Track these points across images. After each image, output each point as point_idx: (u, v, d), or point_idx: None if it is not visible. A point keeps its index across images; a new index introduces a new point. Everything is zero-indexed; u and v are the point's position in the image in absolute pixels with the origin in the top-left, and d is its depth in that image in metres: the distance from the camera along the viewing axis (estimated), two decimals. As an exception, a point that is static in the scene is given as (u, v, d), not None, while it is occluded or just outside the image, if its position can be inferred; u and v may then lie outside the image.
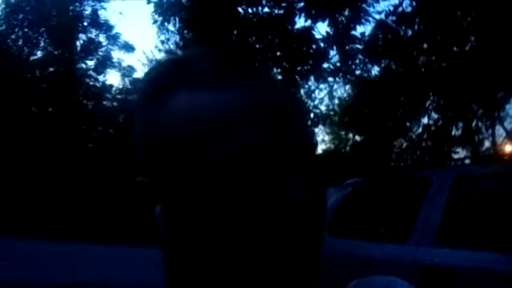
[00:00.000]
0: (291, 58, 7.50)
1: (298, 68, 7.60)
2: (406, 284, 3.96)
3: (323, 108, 11.82)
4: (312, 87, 10.25)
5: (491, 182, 4.15)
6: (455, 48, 9.01)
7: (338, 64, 8.10)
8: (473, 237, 3.91)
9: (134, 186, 0.63)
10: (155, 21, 10.35)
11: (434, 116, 10.69)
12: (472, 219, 4.07)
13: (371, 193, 5.15)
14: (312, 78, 8.19)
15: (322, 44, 7.87)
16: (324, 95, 12.41)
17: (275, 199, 0.56)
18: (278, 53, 7.85)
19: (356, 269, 4.39)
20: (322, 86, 10.70)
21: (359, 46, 7.96)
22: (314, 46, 7.80)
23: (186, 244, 0.60)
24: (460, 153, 11.93)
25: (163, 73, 0.64)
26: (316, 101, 11.38)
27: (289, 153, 0.57)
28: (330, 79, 9.26)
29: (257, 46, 7.90)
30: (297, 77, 7.68)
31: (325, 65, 8.20)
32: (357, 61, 8.18)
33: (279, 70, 7.91)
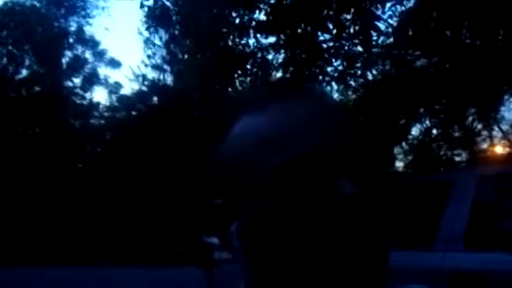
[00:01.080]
0: (293, 62, 7.39)
1: (307, 72, 7.48)
2: (436, 292, 3.77)
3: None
4: None
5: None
6: (452, 49, 8.94)
7: (340, 68, 8.02)
8: (503, 239, 3.75)
9: (213, 208, 0.71)
10: (149, 27, 10.21)
11: (433, 120, 10.62)
12: (500, 219, 3.92)
13: (388, 199, 4.98)
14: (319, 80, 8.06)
15: (331, 43, 7.75)
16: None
17: (327, 198, 0.61)
18: (280, 56, 7.76)
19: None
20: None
21: (360, 49, 7.86)
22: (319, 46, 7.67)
23: (261, 254, 0.65)
24: (461, 155, 11.88)
25: (226, 109, 0.73)
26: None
27: (338, 156, 0.63)
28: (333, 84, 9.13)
29: (255, 50, 7.80)
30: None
31: (329, 69, 8.11)
32: (359, 64, 8.09)
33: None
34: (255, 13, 7.69)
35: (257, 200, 0.64)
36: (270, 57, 7.85)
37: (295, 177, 0.62)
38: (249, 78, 7.92)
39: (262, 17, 7.66)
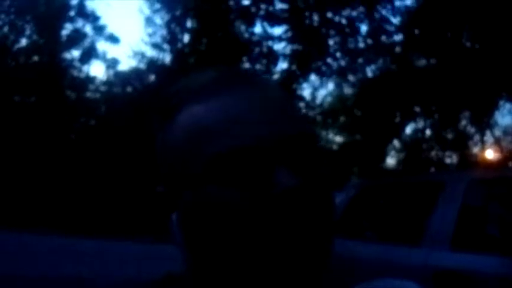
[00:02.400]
0: (299, 54, 7.44)
1: (313, 65, 7.56)
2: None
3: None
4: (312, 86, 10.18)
5: (505, 186, 4.13)
6: (452, 52, 9.04)
7: (342, 63, 8.08)
8: (488, 241, 3.89)
9: (154, 195, 0.71)
10: (156, 9, 10.20)
11: (427, 120, 10.73)
12: (487, 223, 4.05)
13: (379, 195, 5.11)
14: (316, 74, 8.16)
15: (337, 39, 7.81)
16: (326, 94, 12.36)
17: (265, 189, 0.61)
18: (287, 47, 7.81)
19: (364, 271, 4.32)
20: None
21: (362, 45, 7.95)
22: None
23: (199, 243, 0.65)
24: (451, 157, 12.02)
25: (169, 97, 0.72)
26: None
27: (278, 146, 0.62)
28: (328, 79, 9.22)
29: (261, 39, 7.84)
30: (298, 73, 7.58)
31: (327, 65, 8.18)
32: (361, 60, 8.16)
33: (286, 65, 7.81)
34: (268, 4, 7.69)
35: (195, 188, 0.64)
36: (276, 47, 7.91)
37: (233, 167, 0.62)
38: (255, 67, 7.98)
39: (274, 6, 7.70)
